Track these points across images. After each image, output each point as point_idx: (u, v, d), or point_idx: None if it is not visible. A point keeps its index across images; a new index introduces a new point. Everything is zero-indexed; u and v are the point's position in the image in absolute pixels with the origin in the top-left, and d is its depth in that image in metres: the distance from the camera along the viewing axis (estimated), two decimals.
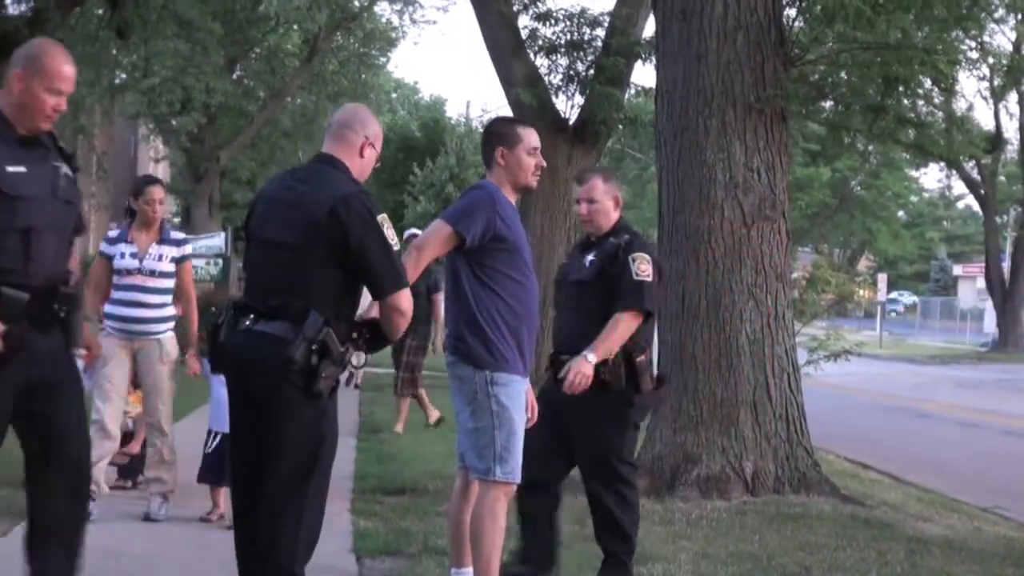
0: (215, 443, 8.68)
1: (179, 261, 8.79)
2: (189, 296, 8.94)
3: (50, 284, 5.12)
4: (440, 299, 14.08)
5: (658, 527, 8.73)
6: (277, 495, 5.27)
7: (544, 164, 6.38)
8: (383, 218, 5.30)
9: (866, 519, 9.48)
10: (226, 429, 8.11)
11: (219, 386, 8.41)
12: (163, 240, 8.75)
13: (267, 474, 5.27)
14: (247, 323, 5.27)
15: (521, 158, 6.22)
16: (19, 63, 5.16)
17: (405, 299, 5.29)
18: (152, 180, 9.07)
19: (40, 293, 5.08)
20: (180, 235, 9.04)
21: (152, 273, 8.63)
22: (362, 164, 5.59)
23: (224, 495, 8.30)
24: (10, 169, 4.97)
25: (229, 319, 5.38)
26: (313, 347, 5.12)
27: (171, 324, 8.80)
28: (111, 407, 8.58)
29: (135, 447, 9.67)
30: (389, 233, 5.29)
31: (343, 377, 5.71)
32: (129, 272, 8.60)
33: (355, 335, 5.37)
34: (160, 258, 8.68)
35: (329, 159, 5.56)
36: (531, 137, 6.29)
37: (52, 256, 5.13)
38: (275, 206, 5.44)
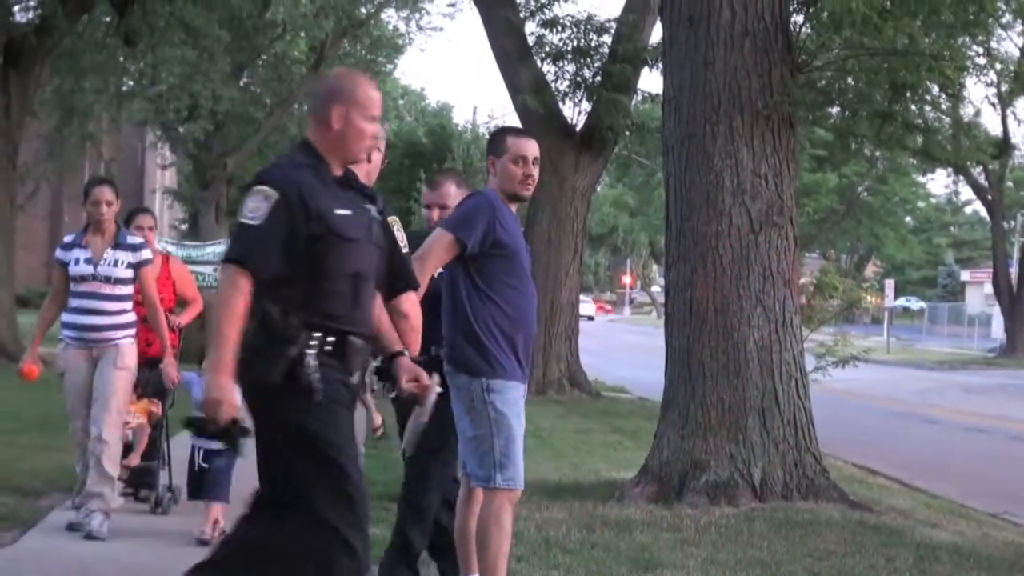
0: (199, 458, 8.37)
1: (137, 267, 8.38)
2: (153, 302, 8.52)
3: (372, 332, 5.00)
4: None
5: (666, 534, 8.72)
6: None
7: (534, 175, 6.33)
8: (393, 220, 5.35)
9: (875, 525, 9.46)
10: (211, 444, 8.07)
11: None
12: (119, 245, 8.37)
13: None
14: None
15: (507, 167, 6.20)
16: (334, 99, 4.93)
17: (409, 302, 5.33)
18: (98, 180, 8.76)
19: (368, 342, 4.95)
20: (137, 239, 8.61)
21: (108, 280, 8.26)
22: (369, 168, 5.66)
23: (219, 511, 8.21)
24: (338, 212, 4.80)
25: None
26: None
27: (131, 331, 8.41)
28: (81, 422, 8.27)
29: (134, 460, 9.22)
30: (399, 236, 5.35)
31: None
32: (84, 279, 8.25)
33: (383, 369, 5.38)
34: (116, 264, 8.30)
35: None
36: (520, 147, 6.24)
37: (370, 303, 5.00)
38: None
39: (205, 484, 8.30)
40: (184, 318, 9.57)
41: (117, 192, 8.51)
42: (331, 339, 4.75)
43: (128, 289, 8.36)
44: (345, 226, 4.80)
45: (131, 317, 8.41)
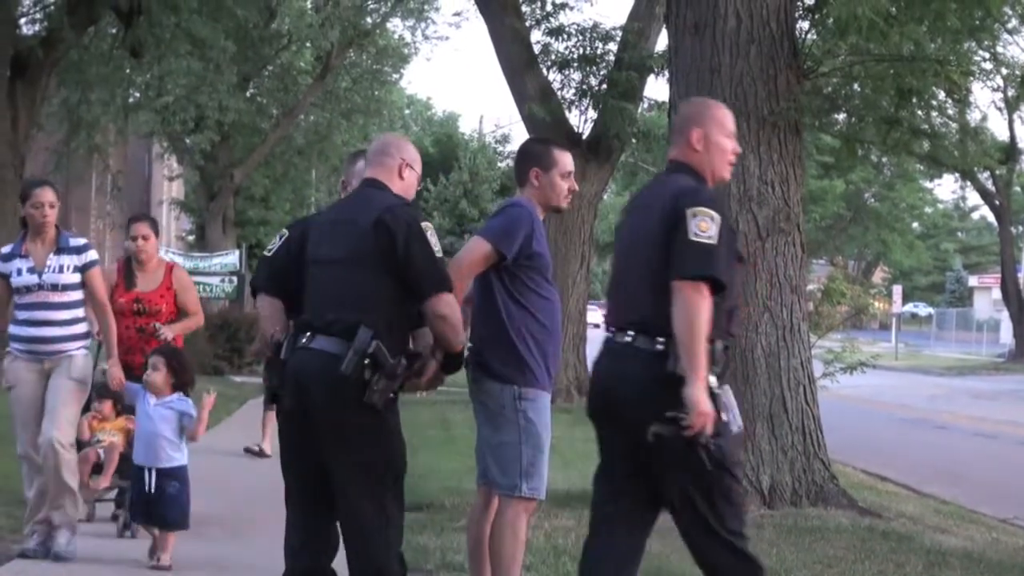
0: (151, 480, 7.70)
1: (83, 269, 7.88)
2: (103, 305, 8.03)
3: None
4: None
5: (675, 541, 8.62)
6: (358, 509, 5.44)
7: (577, 188, 6.52)
8: (427, 226, 5.55)
9: (884, 531, 9.46)
10: (160, 464, 7.66)
11: (145, 419, 7.76)
12: (61, 249, 7.86)
13: (341, 490, 5.46)
14: (303, 340, 5.48)
15: (555, 181, 6.31)
16: (693, 122, 5.51)
17: (444, 303, 5.47)
18: (38, 182, 8.20)
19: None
20: (80, 240, 8.07)
21: (55, 287, 7.78)
22: (403, 185, 5.82)
23: (174, 538, 7.75)
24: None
25: (289, 338, 5.59)
26: (365, 361, 5.28)
27: (85, 341, 7.98)
28: (30, 439, 7.75)
29: (104, 481, 8.73)
30: (433, 240, 5.53)
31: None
32: (29, 289, 7.79)
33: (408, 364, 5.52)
34: (61, 269, 7.81)
35: (372, 182, 5.79)
36: (566, 160, 6.37)
37: None
38: (326, 227, 5.73)
39: (162, 510, 7.70)
40: (174, 330, 8.98)
41: (58, 193, 8.08)
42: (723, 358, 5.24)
43: (78, 295, 7.90)
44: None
45: (84, 327, 8.00)
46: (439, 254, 5.53)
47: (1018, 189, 54.33)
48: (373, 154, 5.92)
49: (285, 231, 6.30)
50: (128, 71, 25.25)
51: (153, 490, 7.66)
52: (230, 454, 12.99)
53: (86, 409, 8.50)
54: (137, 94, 29.18)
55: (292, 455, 5.66)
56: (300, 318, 5.64)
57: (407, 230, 5.46)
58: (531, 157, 6.40)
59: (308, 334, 5.49)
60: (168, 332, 8.88)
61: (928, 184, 63.20)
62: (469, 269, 6.06)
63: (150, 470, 7.69)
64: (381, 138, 6.21)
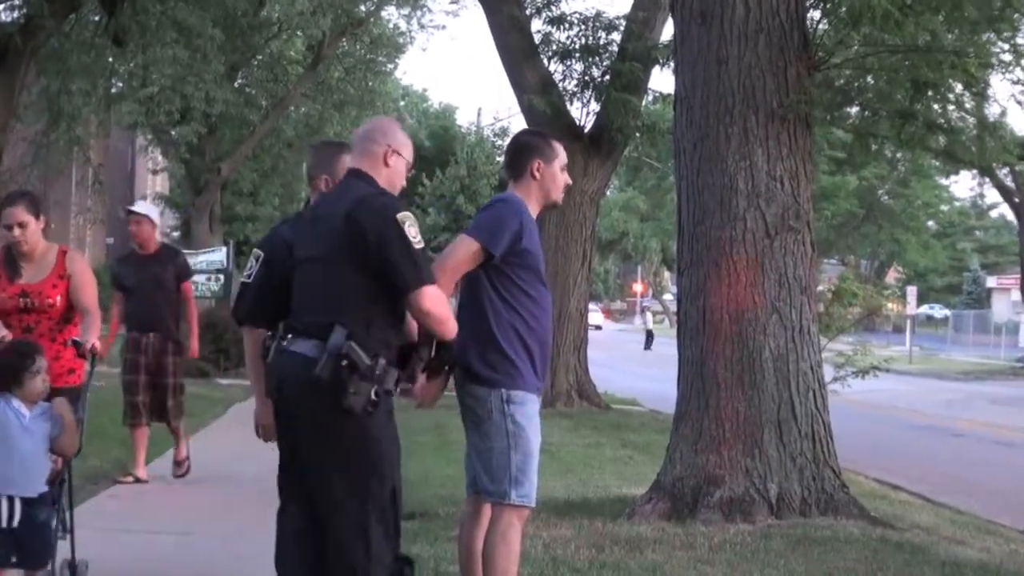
0: (12, 512, 6.25)
1: None
2: None
3: None
4: (191, 288, 11.94)
5: (679, 552, 8.60)
6: (335, 514, 5.33)
7: (571, 182, 6.49)
8: (406, 215, 5.39)
9: (897, 542, 9.31)
10: (29, 492, 6.36)
11: (24, 437, 6.34)
12: None
13: (319, 495, 5.37)
14: (284, 343, 5.43)
15: (556, 174, 6.33)
16: None
17: (427, 298, 5.36)
18: None
19: None
20: None
21: None
22: (389, 173, 5.70)
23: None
24: None
25: (277, 341, 5.53)
26: (343, 363, 5.19)
27: None
28: None
29: None
30: (411, 231, 5.37)
31: None
32: None
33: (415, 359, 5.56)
34: None
35: (355, 172, 5.69)
36: (563, 153, 6.37)
37: None
38: (305, 226, 5.71)
39: (36, 545, 6.39)
40: (92, 338, 7.36)
41: None
42: None
43: None
44: None
45: None
46: (418, 245, 5.37)
47: None
48: (358, 140, 5.80)
49: (259, 252, 6.18)
50: (111, 60, 25.10)
51: (17, 523, 6.30)
52: (217, 458, 12.98)
53: None
54: (120, 84, 29.15)
55: (285, 461, 5.57)
56: (285, 320, 5.56)
57: (379, 221, 5.32)
58: (532, 149, 6.33)
59: (289, 336, 5.41)
60: (97, 343, 7.39)
61: (944, 181, 63.29)
62: (454, 268, 5.94)
63: (12, 499, 6.30)
64: (367, 123, 6.06)
